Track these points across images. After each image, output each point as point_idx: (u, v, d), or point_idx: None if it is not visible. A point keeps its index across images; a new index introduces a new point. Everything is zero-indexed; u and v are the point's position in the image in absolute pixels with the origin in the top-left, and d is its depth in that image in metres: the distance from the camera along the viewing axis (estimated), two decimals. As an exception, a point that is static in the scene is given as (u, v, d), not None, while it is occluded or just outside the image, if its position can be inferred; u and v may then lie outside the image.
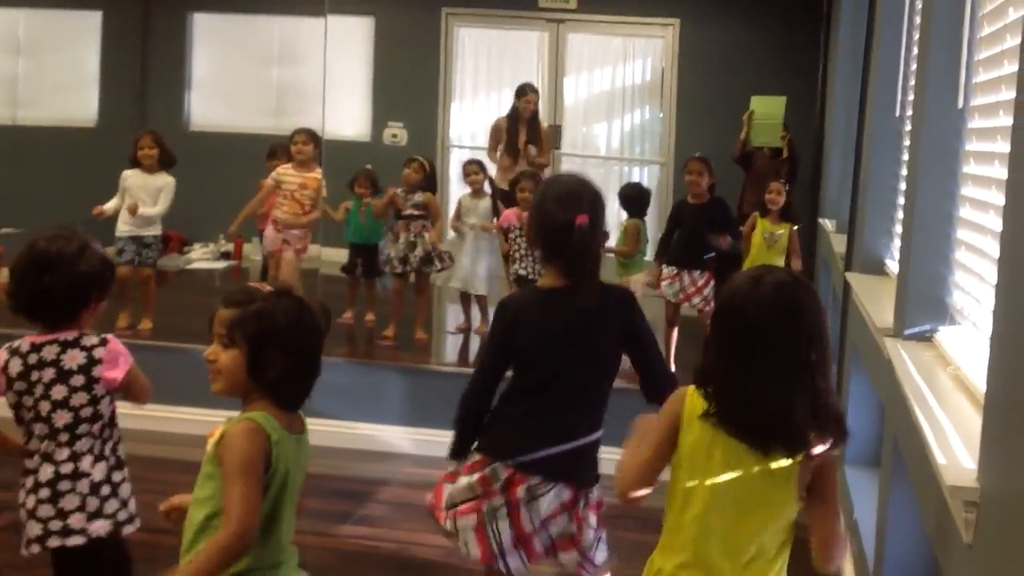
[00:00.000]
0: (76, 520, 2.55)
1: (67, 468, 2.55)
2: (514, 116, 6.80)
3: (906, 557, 2.68)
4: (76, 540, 2.54)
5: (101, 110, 8.57)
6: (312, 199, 5.79)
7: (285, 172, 5.81)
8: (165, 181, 5.77)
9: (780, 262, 5.34)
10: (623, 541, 2.94)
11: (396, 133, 8.44)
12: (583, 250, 2.54)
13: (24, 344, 2.57)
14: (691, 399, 2.03)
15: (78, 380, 2.55)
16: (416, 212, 5.93)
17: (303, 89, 8.28)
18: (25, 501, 2.57)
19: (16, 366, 2.55)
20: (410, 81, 8.40)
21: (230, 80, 8.82)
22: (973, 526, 1.76)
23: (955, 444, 1.97)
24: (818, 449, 1.95)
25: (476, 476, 2.63)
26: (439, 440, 4.94)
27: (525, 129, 6.74)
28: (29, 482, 2.57)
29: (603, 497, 2.68)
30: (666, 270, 5.47)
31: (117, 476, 2.63)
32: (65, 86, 8.39)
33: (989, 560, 1.68)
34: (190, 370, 5.24)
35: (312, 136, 5.82)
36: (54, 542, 2.54)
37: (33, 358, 2.55)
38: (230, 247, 8.36)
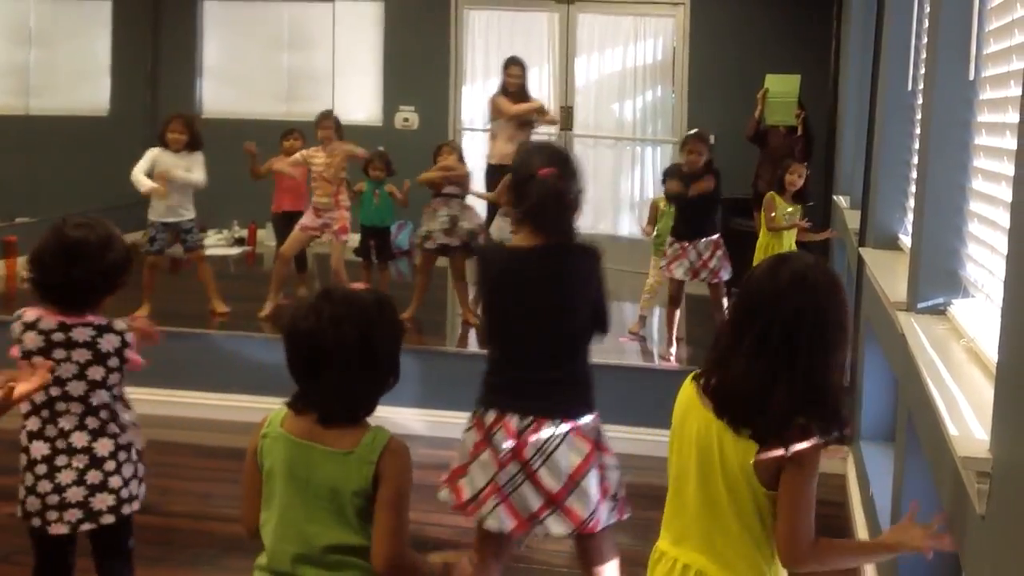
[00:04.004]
0: (134, 487, 2.68)
1: (124, 440, 2.65)
2: (504, 91, 6.72)
3: (921, 531, 2.67)
4: (136, 505, 2.69)
5: (113, 99, 8.59)
6: (337, 174, 5.84)
7: (315, 154, 5.86)
8: (195, 157, 5.85)
9: (792, 241, 5.35)
10: (634, 519, 2.93)
11: (407, 117, 8.43)
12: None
13: (46, 321, 2.56)
14: (687, 384, 2.04)
15: (114, 362, 2.60)
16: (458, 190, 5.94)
17: (314, 74, 8.28)
18: (85, 475, 2.58)
19: (37, 340, 2.55)
20: (421, 64, 8.39)
21: (241, 66, 8.84)
22: (986, 497, 1.75)
23: (968, 416, 1.96)
24: (798, 446, 1.87)
25: (482, 452, 2.69)
26: (453, 422, 4.97)
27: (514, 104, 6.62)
28: (77, 460, 2.59)
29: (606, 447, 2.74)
30: (670, 250, 5.44)
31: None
32: (77, 75, 8.40)
33: (1002, 530, 1.67)
34: (205, 355, 5.33)
35: (336, 120, 5.97)
36: (127, 509, 2.66)
37: (59, 336, 2.55)
38: (244, 233, 8.39)
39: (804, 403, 1.87)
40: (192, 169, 5.78)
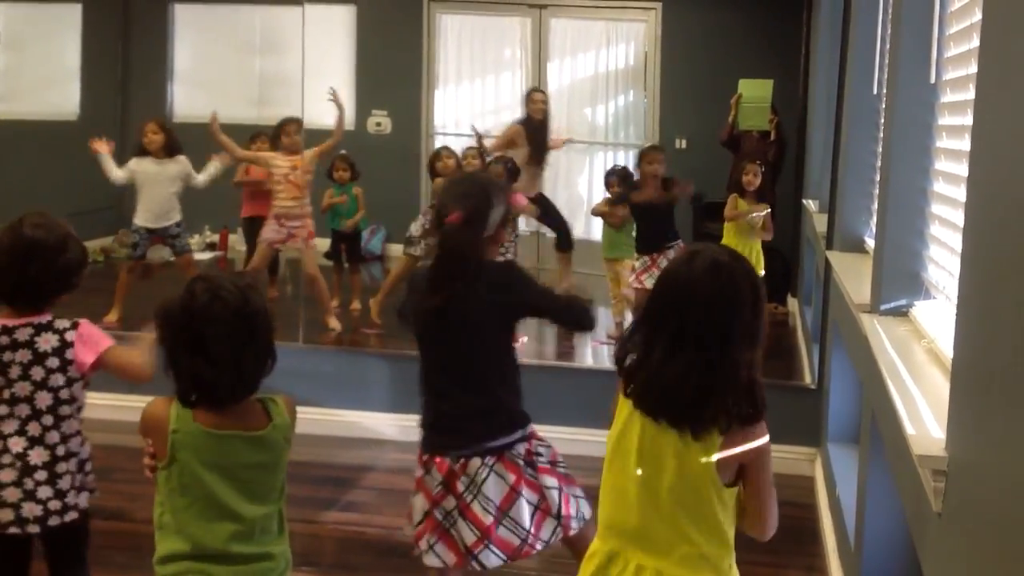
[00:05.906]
0: (71, 498, 2.64)
1: (61, 450, 2.62)
2: (529, 123, 6.75)
3: (884, 531, 2.70)
4: (72, 515, 2.64)
5: (83, 103, 8.52)
6: (305, 179, 5.81)
7: (273, 158, 5.78)
8: (182, 164, 5.86)
9: (758, 243, 5.40)
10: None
11: (380, 121, 8.41)
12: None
13: None
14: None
15: (53, 362, 2.59)
16: None
17: (286, 79, 8.21)
18: (23, 480, 2.58)
19: None
20: (393, 69, 8.37)
21: (212, 71, 8.78)
22: (942, 495, 1.77)
23: (926, 415, 1.98)
24: (744, 446, 1.93)
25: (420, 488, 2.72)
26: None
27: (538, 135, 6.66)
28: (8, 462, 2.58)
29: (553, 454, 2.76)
30: (639, 263, 5.51)
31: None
32: (46, 80, 8.35)
33: (958, 528, 1.69)
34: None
35: (301, 125, 5.94)
36: (55, 521, 2.61)
37: (4, 339, 2.57)
38: (215, 238, 8.34)
39: (725, 394, 1.91)
40: (189, 176, 5.86)
